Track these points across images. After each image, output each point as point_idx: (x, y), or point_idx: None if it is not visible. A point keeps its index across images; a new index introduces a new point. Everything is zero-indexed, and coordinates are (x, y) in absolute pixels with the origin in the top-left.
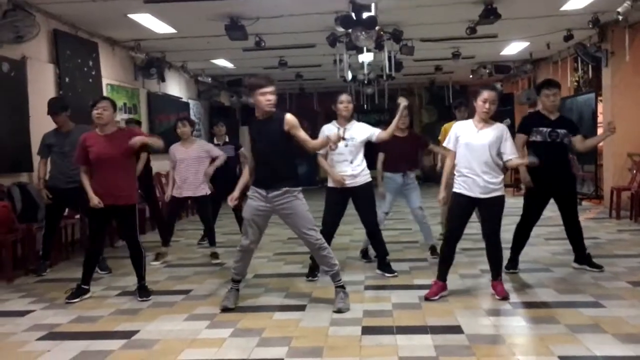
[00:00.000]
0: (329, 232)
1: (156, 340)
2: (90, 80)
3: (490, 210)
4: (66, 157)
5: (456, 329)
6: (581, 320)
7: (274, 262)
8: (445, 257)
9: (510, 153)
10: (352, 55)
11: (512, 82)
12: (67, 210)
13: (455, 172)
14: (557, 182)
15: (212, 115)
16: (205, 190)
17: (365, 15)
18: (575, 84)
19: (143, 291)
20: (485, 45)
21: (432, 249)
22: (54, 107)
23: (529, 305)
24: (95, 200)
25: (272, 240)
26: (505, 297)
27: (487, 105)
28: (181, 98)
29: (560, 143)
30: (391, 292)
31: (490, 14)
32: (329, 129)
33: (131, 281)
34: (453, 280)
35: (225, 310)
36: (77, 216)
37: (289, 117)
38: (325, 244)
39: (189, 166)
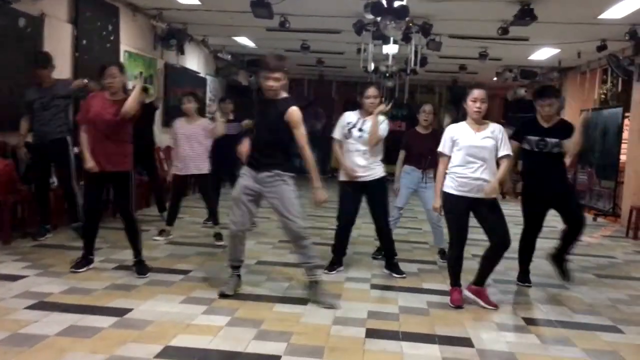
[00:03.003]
0: (345, 226)
1: (149, 321)
2: (108, 45)
3: (491, 211)
4: (46, 108)
5: (466, 342)
6: (598, 345)
7: (278, 250)
8: (454, 263)
9: (504, 150)
10: (376, 46)
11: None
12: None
13: (448, 173)
14: (549, 193)
15: (229, 93)
16: (207, 168)
17: (397, 3)
18: (603, 96)
19: (140, 266)
20: (515, 48)
21: (442, 253)
22: (44, 61)
23: (542, 322)
24: (90, 163)
25: (278, 226)
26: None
27: (477, 104)
28: (199, 73)
29: (549, 153)
30: (398, 294)
31: (526, 15)
32: (349, 118)
33: (130, 255)
34: (464, 288)
35: (222, 296)
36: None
37: (293, 111)
38: (308, 235)
39: (191, 143)
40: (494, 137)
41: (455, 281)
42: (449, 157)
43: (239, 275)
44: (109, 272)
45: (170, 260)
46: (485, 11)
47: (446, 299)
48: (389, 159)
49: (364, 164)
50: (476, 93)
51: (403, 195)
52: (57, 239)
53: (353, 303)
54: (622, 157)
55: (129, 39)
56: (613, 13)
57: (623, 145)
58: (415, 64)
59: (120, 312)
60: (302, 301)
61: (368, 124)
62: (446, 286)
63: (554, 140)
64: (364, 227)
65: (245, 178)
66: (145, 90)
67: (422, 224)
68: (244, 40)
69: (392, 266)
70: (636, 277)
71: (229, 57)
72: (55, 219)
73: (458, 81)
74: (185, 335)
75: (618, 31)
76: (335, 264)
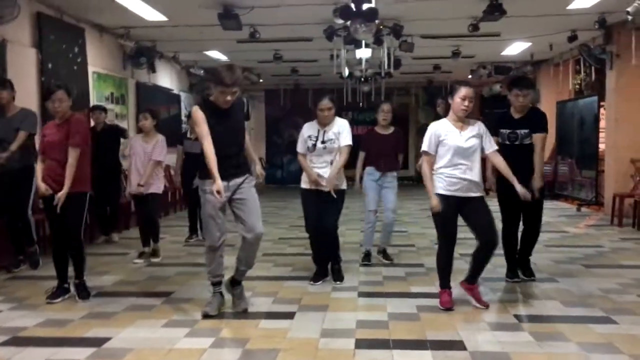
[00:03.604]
0: (314, 234)
1: (129, 349)
2: (76, 67)
3: (479, 210)
4: (10, 139)
5: (458, 345)
6: (592, 337)
7: (262, 264)
8: (444, 264)
9: (490, 146)
10: (349, 51)
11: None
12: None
13: (435, 173)
14: (524, 185)
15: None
16: (158, 187)
17: (365, 6)
18: (577, 87)
19: (82, 289)
20: (487, 44)
21: (384, 252)
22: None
23: (534, 319)
24: (42, 187)
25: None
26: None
27: (466, 103)
28: (172, 90)
29: (521, 145)
30: (387, 300)
31: (495, 10)
32: (309, 131)
33: (108, 281)
34: (454, 289)
35: (206, 317)
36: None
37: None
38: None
39: (144, 161)
40: (478, 136)
41: (444, 283)
42: (434, 156)
43: (221, 293)
44: (85, 300)
45: (151, 282)
46: (454, 9)
47: (436, 302)
48: (349, 164)
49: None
50: (465, 91)
51: (372, 198)
52: (31, 270)
53: (341, 313)
54: (601, 146)
55: (97, 60)
56: (581, 3)
57: (601, 134)
58: (389, 66)
59: (98, 342)
60: (288, 315)
61: (330, 135)
62: (435, 289)
63: (524, 131)
64: (348, 234)
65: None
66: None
67: (407, 226)
68: (215, 54)
69: (334, 272)
70: (625, 264)
71: (202, 72)
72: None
73: (433, 81)
74: None
75: (587, 21)
76: (319, 274)
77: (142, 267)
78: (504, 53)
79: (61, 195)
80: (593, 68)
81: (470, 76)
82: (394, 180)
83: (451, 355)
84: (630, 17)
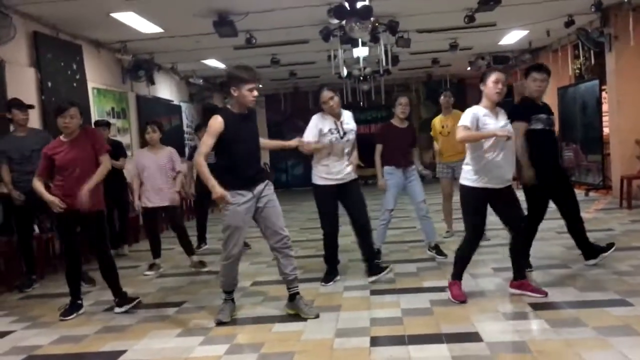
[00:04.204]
0: (330, 232)
1: None
2: (75, 84)
3: (510, 199)
4: (27, 160)
5: (474, 337)
6: (609, 321)
7: (272, 268)
8: (468, 256)
9: (512, 134)
10: (346, 50)
11: (510, 72)
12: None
13: (470, 164)
14: (555, 174)
15: (205, 118)
16: (177, 199)
17: (359, 4)
18: (577, 71)
19: (122, 300)
20: (484, 34)
21: (437, 248)
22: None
23: (550, 306)
24: (56, 201)
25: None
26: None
27: (499, 86)
28: (172, 101)
29: (552, 130)
30: (399, 297)
31: (490, 0)
32: (320, 124)
33: None
34: (465, 281)
35: (220, 324)
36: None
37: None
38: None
39: (159, 174)
40: (507, 120)
41: (459, 275)
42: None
43: (233, 300)
44: (99, 314)
45: (162, 293)
46: (449, 1)
47: (448, 295)
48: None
49: (346, 165)
50: (497, 74)
51: (392, 196)
52: (43, 288)
53: (354, 312)
54: (605, 130)
55: (96, 76)
56: None
57: (604, 118)
58: (387, 63)
59: (113, 355)
60: (301, 318)
61: (346, 126)
62: (446, 282)
63: (552, 116)
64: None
65: (242, 204)
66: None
67: (416, 222)
68: (213, 62)
69: (372, 266)
70: (637, 246)
71: (201, 81)
72: (39, 267)
73: (433, 75)
74: None
75: (584, 4)
76: (330, 274)
77: (152, 278)
78: (502, 43)
79: (86, 190)
80: (592, 52)
81: (469, 68)
82: (415, 171)
83: (467, 347)
84: None
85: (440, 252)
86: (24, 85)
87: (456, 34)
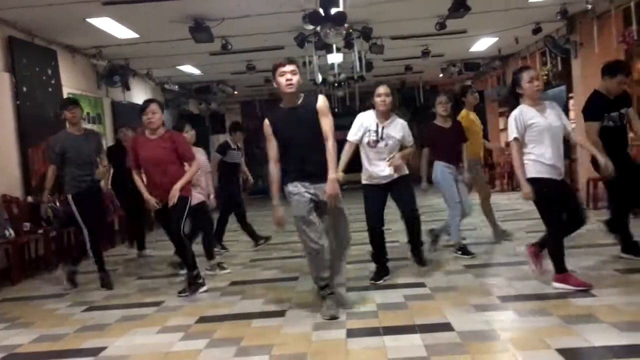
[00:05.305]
0: (374, 228)
1: (126, 356)
2: (50, 89)
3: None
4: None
5: (446, 327)
6: (574, 311)
7: (250, 269)
8: (560, 249)
9: (569, 125)
10: (321, 57)
11: (481, 79)
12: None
13: (531, 160)
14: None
15: (180, 123)
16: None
17: (333, 10)
18: (545, 78)
19: (193, 281)
20: (455, 41)
21: (462, 248)
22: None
23: (519, 298)
24: (152, 201)
25: (247, 247)
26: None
27: (536, 83)
28: None
29: (623, 126)
30: (375, 293)
31: (460, 7)
32: (366, 122)
33: (98, 296)
34: (438, 278)
35: (333, 318)
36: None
37: (322, 98)
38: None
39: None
40: (557, 113)
41: (563, 267)
42: (521, 143)
43: (333, 293)
44: (78, 314)
45: (142, 294)
46: (420, 8)
47: (422, 291)
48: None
49: (389, 172)
50: (531, 73)
51: (454, 188)
52: (21, 291)
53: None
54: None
55: (71, 81)
56: None
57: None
58: (361, 69)
59: (94, 351)
60: (280, 314)
61: (390, 132)
62: (421, 279)
63: (622, 111)
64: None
65: (303, 194)
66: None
67: (391, 224)
68: (188, 69)
69: (418, 254)
70: (602, 243)
71: (176, 87)
72: (16, 271)
73: (406, 82)
74: None
75: (550, 12)
76: (380, 272)
77: (132, 280)
78: (472, 50)
79: (174, 191)
80: (559, 58)
81: (441, 75)
82: (463, 171)
83: (439, 337)
84: (589, 6)
85: (466, 252)
86: None
87: (428, 40)
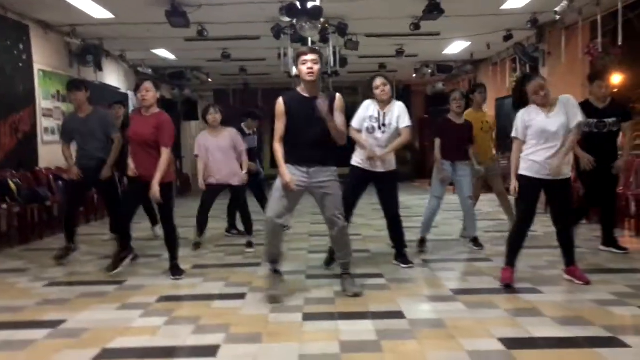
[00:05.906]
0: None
1: (85, 329)
2: (21, 64)
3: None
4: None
5: (398, 314)
6: (520, 304)
7: (214, 254)
8: (517, 244)
9: (575, 120)
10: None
11: (453, 82)
12: None
13: (522, 157)
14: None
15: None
16: (239, 179)
17: (310, 4)
18: (514, 84)
19: (175, 270)
20: (428, 43)
21: (475, 241)
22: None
23: (469, 292)
24: (132, 166)
25: (213, 234)
26: (588, 282)
27: (542, 93)
28: (119, 89)
29: (609, 132)
30: (333, 281)
31: (434, 10)
32: (369, 110)
33: (59, 272)
34: (396, 270)
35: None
36: None
37: (339, 98)
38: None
39: (220, 155)
40: (564, 113)
41: (511, 260)
42: (522, 142)
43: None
44: (39, 289)
45: (103, 274)
46: (396, 8)
47: (378, 282)
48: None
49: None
50: (534, 84)
51: (439, 186)
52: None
53: (290, 294)
54: None
55: (43, 58)
56: (514, 3)
57: None
58: (335, 64)
59: (54, 324)
60: (239, 296)
61: (389, 118)
62: (378, 270)
63: (611, 120)
64: (298, 226)
65: (294, 175)
66: None
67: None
68: (163, 53)
69: (402, 257)
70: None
71: (150, 71)
72: None
73: None
74: (123, 338)
75: (521, 20)
76: (333, 259)
77: (93, 260)
78: (445, 52)
79: (154, 185)
80: (528, 66)
81: (414, 75)
82: (467, 168)
83: (391, 323)
84: (558, 17)
85: (477, 244)
86: None
87: (403, 40)
